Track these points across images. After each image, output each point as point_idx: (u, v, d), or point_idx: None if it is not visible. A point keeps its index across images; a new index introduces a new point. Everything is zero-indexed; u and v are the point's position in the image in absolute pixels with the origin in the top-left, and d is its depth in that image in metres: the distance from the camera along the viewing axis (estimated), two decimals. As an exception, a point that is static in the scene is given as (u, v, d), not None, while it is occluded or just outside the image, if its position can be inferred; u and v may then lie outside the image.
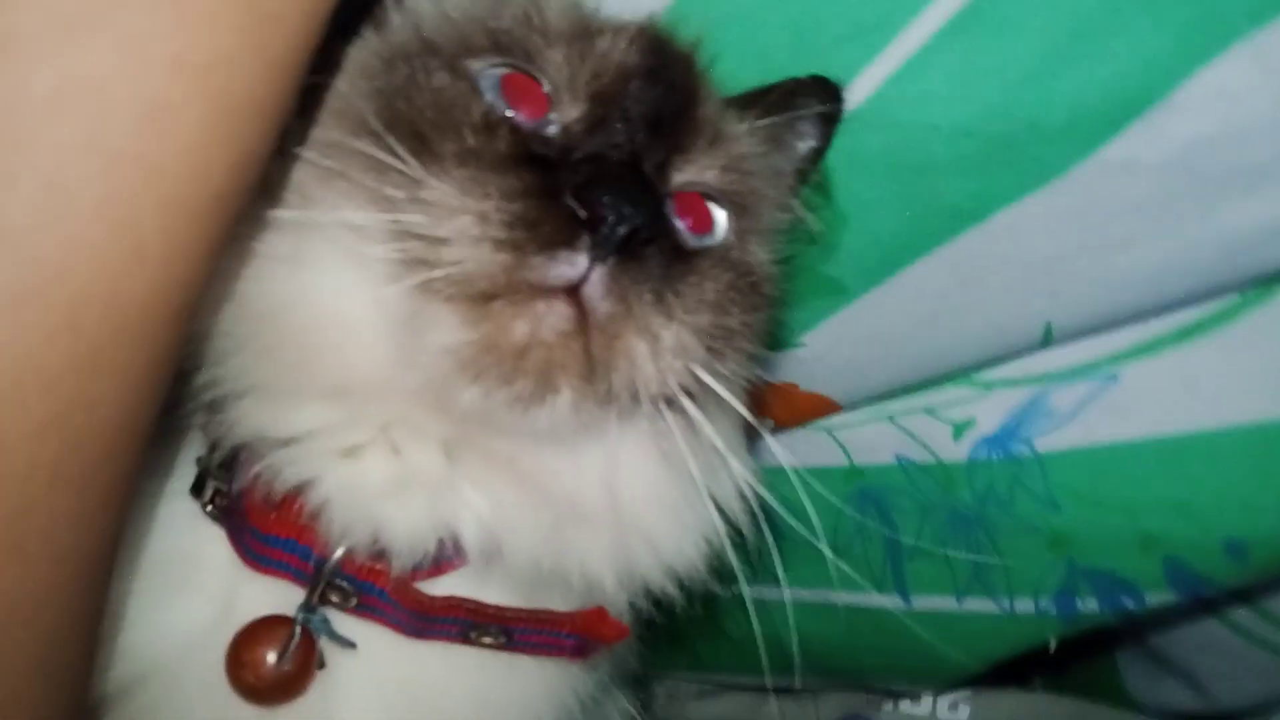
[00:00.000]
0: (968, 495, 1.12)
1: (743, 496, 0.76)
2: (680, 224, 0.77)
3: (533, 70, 0.75)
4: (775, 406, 1.06)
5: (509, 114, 0.73)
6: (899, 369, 1.06)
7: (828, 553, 0.80)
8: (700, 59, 0.84)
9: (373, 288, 0.67)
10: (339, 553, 0.72)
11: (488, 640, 0.74)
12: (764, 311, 0.81)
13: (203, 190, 0.53)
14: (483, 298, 0.64)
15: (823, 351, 1.05)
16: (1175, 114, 0.79)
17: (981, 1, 0.79)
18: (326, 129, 0.71)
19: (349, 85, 0.73)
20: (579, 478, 0.72)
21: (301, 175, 0.70)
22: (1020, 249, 0.91)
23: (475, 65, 0.74)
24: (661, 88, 0.76)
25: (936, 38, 0.82)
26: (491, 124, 0.71)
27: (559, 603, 0.77)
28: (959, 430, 1.10)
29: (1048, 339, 0.97)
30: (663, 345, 0.67)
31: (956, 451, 1.11)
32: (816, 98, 0.87)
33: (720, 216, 0.80)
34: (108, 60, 0.49)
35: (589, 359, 0.65)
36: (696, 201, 0.79)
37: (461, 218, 0.64)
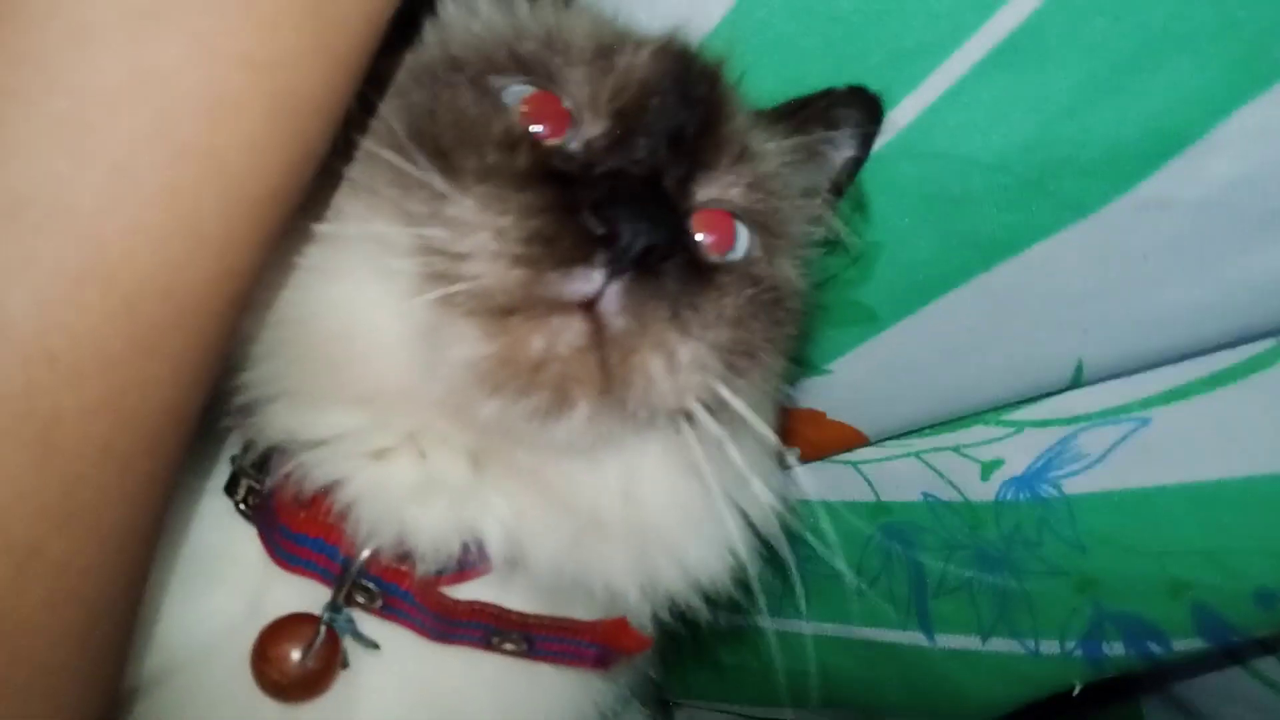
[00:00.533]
0: (994, 535, 1.11)
1: (767, 517, 0.76)
2: (702, 239, 0.77)
3: (554, 88, 0.76)
4: (802, 435, 1.07)
5: (532, 131, 0.74)
6: (926, 402, 1.06)
7: (849, 573, 0.79)
8: (726, 74, 0.84)
9: (398, 300, 0.68)
10: (365, 553, 0.72)
11: (509, 647, 0.75)
12: (789, 328, 0.81)
13: (262, 185, 0.55)
14: (501, 312, 0.64)
15: (851, 380, 1.05)
16: (1214, 153, 0.79)
17: (1023, 34, 0.80)
18: (361, 143, 0.72)
19: (383, 101, 0.75)
20: (601, 489, 0.73)
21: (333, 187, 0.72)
22: (1053, 284, 0.91)
23: (499, 83, 0.76)
24: (683, 103, 0.76)
25: (977, 68, 0.82)
26: (512, 141, 0.72)
27: (581, 612, 0.77)
28: (987, 470, 1.10)
29: (1077, 377, 0.96)
30: (679, 361, 0.67)
31: (984, 491, 1.11)
32: (855, 108, 0.87)
33: (743, 234, 0.80)
34: (177, 54, 0.50)
35: (605, 373, 0.65)
36: (721, 218, 0.79)
37: (480, 233, 0.65)
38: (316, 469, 0.70)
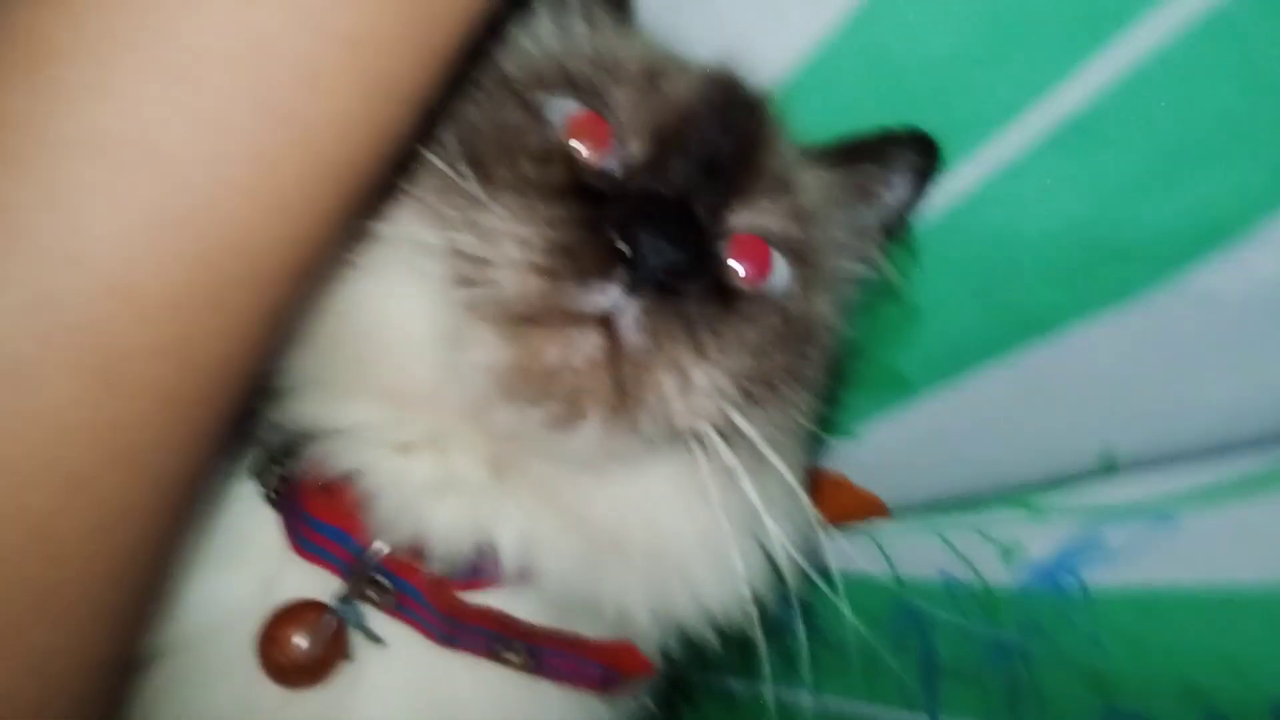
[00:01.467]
0: (1011, 622, 1.10)
1: (785, 559, 0.76)
2: (736, 266, 0.78)
3: (600, 107, 0.78)
4: (826, 499, 1.06)
5: (574, 147, 0.76)
6: (951, 476, 1.06)
7: (861, 636, 0.78)
8: (770, 105, 0.86)
9: (427, 302, 0.70)
10: (381, 546, 0.73)
11: (513, 658, 0.75)
12: (818, 365, 0.81)
13: (343, 156, 0.57)
14: (521, 320, 0.66)
15: (879, 446, 1.05)
16: (1261, 249, 0.80)
17: (1083, 114, 0.81)
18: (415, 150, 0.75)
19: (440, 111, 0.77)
20: (617, 508, 0.73)
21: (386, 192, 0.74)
22: (1089, 367, 0.91)
23: (547, 99, 0.78)
24: (723, 129, 0.78)
25: (1035, 144, 0.83)
26: (549, 155, 0.74)
27: (589, 631, 0.77)
28: (1008, 555, 1.09)
29: (1104, 464, 0.96)
30: (693, 383, 0.67)
31: (1004, 576, 1.10)
32: (912, 151, 0.88)
33: (781, 265, 0.80)
34: (284, 24, 0.53)
35: (619, 389, 0.66)
36: (757, 245, 0.79)
37: (505, 241, 0.67)
38: (339, 456, 0.72)
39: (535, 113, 0.77)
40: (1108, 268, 0.86)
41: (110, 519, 0.55)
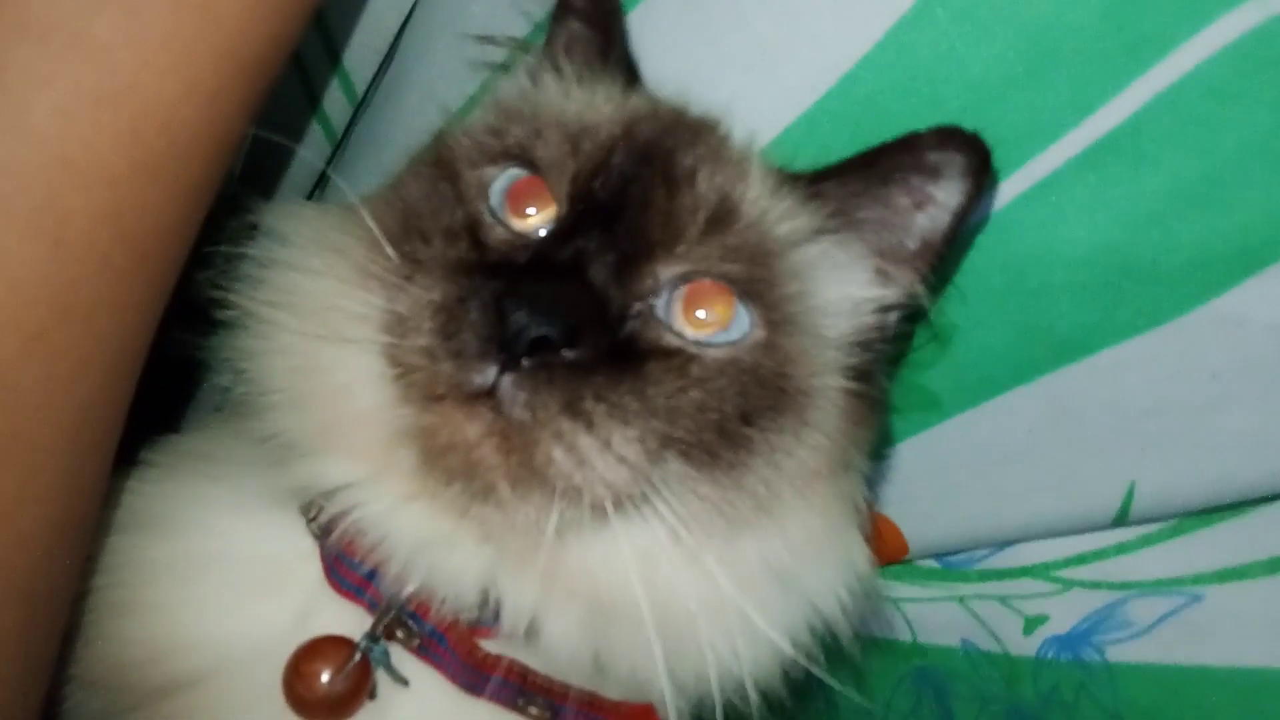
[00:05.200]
0: (1030, 693, 1.09)
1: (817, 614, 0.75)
2: (678, 317, 0.75)
3: (537, 171, 0.80)
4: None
5: (486, 220, 0.78)
6: (973, 510, 1.04)
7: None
8: (712, 139, 0.83)
9: (372, 370, 0.72)
10: (408, 589, 0.73)
11: (534, 712, 0.75)
12: (794, 412, 0.75)
13: (247, 48, 0.67)
14: (429, 398, 0.68)
15: (905, 469, 1.03)
16: (1295, 274, 0.79)
17: (1120, 134, 0.81)
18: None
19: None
20: (605, 573, 0.71)
21: None
22: (1119, 393, 0.90)
23: (493, 171, 0.81)
24: (641, 164, 0.78)
25: (1072, 163, 0.83)
26: (457, 231, 0.77)
27: (612, 691, 0.77)
28: (1031, 624, 1.09)
29: (1128, 502, 0.94)
30: (583, 453, 0.66)
31: (1025, 646, 1.09)
32: (954, 151, 0.78)
33: (741, 314, 0.76)
34: None
35: (520, 462, 0.66)
36: (714, 290, 0.75)
37: (409, 321, 0.69)
38: (341, 509, 0.73)
39: (462, 189, 0.80)
40: (1140, 289, 0.85)
41: (64, 372, 0.63)
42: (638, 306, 0.75)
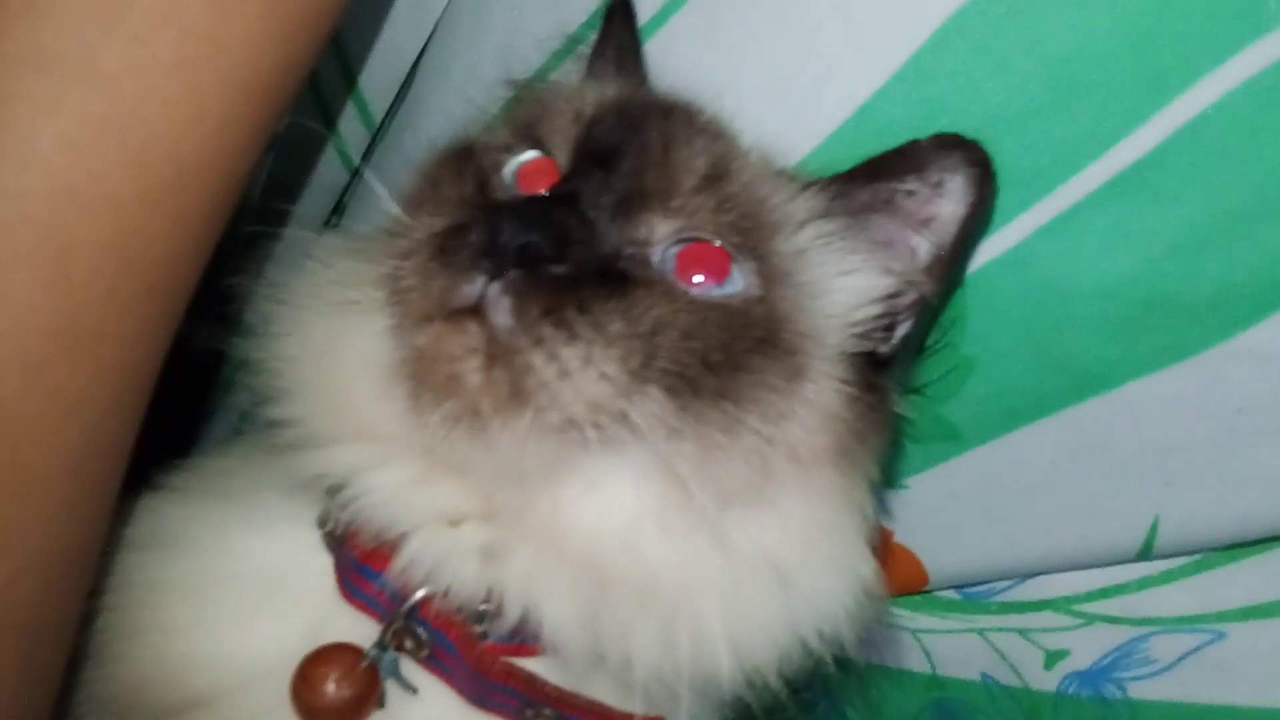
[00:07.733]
0: (1050, 728, 1.08)
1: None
2: (673, 268, 0.75)
3: (548, 152, 0.83)
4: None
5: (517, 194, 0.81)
6: (991, 542, 1.02)
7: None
8: (695, 113, 0.85)
9: (374, 331, 0.74)
10: (418, 594, 0.73)
11: None
12: (776, 364, 0.73)
13: (256, 76, 0.66)
14: (420, 319, 0.69)
15: (925, 500, 1.02)
16: (1321, 309, 0.78)
17: (1143, 166, 0.80)
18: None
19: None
20: (596, 534, 0.70)
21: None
22: (1142, 426, 0.89)
23: (506, 158, 0.83)
24: (626, 128, 0.80)
25: (1094, 195, 0.82)
26: (464, 175, 0.80)
27: (621, 703, 0.75)
28: (1051, 659, 1.08)
29: (1151, 536, 0.93)
30: (566, 363, 0.66)
31: (1045, 680, 1.08)
32: (955, 158, 0.79)
33: (735, 272, 0.76)
34: None
35: (505, 378, 0.66)
36: (711, 252, 0.76)
37: (411, 255, 0.71)
38: (350, 503, 0.73)
39: (476, 164, 0.83)
40: (1164, 323, 0.84)
41: (67, 404, 0.62)
42: (631, 250, 0.75)
